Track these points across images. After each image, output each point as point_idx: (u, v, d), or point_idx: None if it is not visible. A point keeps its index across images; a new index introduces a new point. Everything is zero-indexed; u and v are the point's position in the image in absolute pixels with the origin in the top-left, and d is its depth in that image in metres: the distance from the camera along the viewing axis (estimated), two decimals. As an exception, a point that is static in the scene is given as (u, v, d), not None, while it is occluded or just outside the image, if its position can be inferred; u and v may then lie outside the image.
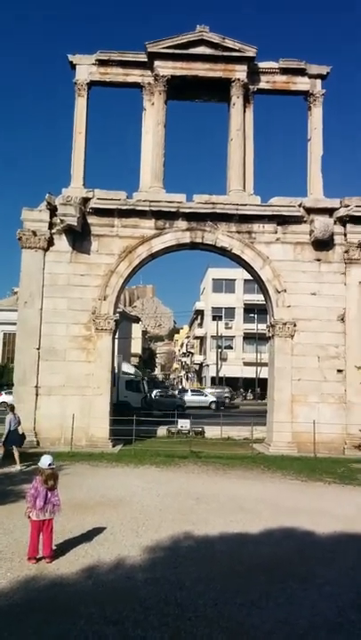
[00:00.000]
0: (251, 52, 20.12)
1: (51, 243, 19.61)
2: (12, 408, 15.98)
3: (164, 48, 20.02)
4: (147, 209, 19.69)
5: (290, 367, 19.49)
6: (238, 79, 20.19)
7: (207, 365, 61.22)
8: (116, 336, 22.17)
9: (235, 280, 57.76)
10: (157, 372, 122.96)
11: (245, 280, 51.79)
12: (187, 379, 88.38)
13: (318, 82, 20.71)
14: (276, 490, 13.06)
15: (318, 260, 20.12)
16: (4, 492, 11.77)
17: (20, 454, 14.91)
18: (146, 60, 20.22)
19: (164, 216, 19.88)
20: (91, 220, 19.80)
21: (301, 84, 20.72)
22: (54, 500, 7.58)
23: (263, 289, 20.76)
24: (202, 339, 66.98)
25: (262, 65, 20.63)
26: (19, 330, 19.66)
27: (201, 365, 67.77)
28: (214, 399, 42.72)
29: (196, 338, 72.82)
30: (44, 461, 7.72)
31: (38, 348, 19.14)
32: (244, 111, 20.59)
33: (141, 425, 21.34)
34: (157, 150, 20.18)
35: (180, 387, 67.60)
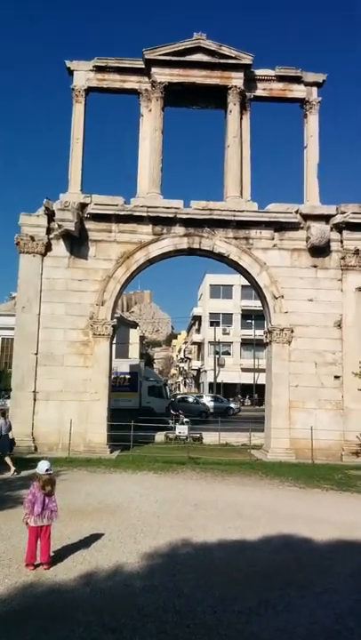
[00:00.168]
0: (247, 59, 20.26)
1: (48, 248, 19.63)
2: (2, 413, 15.94)
3: (161, 55, 20.14)
4: (144, 214, 19.75)
5: (287, 373, 19.51)
6: (235, 86, 20.31)
7: (205, 371, 61.17)
8: (114, 341, 22.17)
9: (232, 286, 57.85)
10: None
11: (243, 286, 51.84)
12: (184, 384, 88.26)
13: (314, 89, 20.85)
14: (274, 496, 13.05)
15: (315, 266, 20.19)
16: (2, 497, 11.73)
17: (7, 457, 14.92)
18: (143, 66, 20.34)
19: (162, 222, 19.94)
20: (88, 225, 19.84)
21: (298, 91, 20.86)
22: (52, 505, 7.56)
23: (260, 295, 20.81)
24: (199, 344, 66.97)
25: (259, 72, 20.76)
26: (16, 335, 19.64)
27: (199, 371, 67.71)
28: (232, 405, 44.52)
29: (194, 343, 72.84)
30: (42, 467, 7.71)
31: (36, 354, 19.12)
32: (241, 118, 20.70)
33: (139, 430, 21.30)
34: (155, 156, 20.25)
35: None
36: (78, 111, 20.46)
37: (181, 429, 23.07)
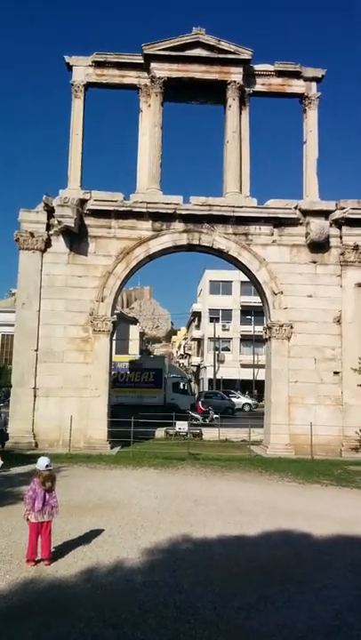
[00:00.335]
0: (246, 54, 20.19)
1: (48, 244, 19.62)
2: None
3: (160, 50, 20.07)
4: (144, 210, 19.72)
5: (287, 369, 19.53)
6: (234, 81, 20.26)
7: (205, 367, 61.17)
8: (114, 338, 22.17)
9: (232, 282, 57.81)
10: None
11: (242, 282, 51.85)
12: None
13: (313, 85, 20.80)
14: (274, 492, 13.09)
15: (314, 262, 20.18)
16: (3, 493, 11.75)
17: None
18: (142, 61, 20.27)
19: (162, 218, 19.91)
20: (88, 221, 19.82)
21: (297, 86, 20.81)
22: (52, 502, 7.57)
23: (260, 291, 20.81)
24: (199, 340, 66.94)
25: (258, 67, 20.70)
26: (16, 331, 19.66)
27: (198, 367, 67.72)
28: (248, 401, 46.13)
29: (194, 339, 72.80)
30: (42, 463, 7.72)
31: (36, 350, 19.14)
32: (240, 113, 20.66)
33: (139, 427, 21.33)
34: (154, 152, 20.21)
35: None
36: (77, 106, 20.41)
37: (181, 425, 23.09)
